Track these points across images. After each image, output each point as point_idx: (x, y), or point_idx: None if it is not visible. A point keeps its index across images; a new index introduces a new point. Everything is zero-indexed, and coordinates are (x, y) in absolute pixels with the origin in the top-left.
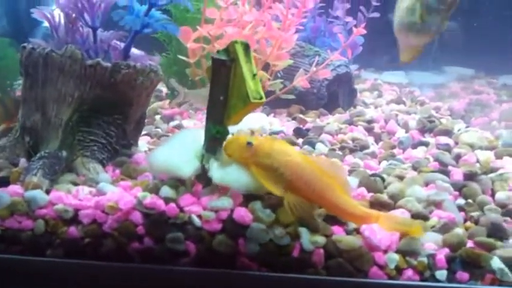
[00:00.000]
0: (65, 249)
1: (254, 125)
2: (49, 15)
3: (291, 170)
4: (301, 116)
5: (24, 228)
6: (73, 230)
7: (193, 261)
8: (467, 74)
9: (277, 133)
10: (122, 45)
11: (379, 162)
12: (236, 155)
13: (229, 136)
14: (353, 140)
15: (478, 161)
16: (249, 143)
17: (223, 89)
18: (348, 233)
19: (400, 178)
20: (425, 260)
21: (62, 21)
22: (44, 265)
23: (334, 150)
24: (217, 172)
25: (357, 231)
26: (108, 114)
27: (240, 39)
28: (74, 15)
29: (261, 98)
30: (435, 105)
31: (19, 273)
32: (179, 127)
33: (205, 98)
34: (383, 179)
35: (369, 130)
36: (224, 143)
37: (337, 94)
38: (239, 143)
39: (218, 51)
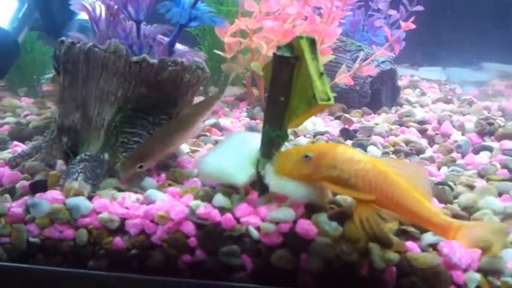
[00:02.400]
0: (109, 261)
1: None
2: (89, 7)
3: (363, 179)
4: (346, 115)
5: (65, 238)
6: (118, 240)
7: (249, 277)
8: (508, 70)
9: (322, 134)
10: (166, 39)
11: (439, 168)
12: (295, 173)
13: (276, 154)
14: (406, 142)
15: None
16: (307, 156)
17: (285, 89)
18: (423, 249)
19: (469, 187)
20: (510, 280)
21: (103, 13)
22: (85, 277)
23: (387, 153)
24: (274, 179)
25: (433, 247)
26: (152, 114)
27: (306, 34)
28: (116, 7)
29: (328, 100)
30: (484, 105)
31: (59, 285)
32: (216, 126)
33: None
34: (451, 188)
35: (422, 132)
36: (274, 162)
37: (380, 92)
38: (293, 158)
39: (279, 47)
